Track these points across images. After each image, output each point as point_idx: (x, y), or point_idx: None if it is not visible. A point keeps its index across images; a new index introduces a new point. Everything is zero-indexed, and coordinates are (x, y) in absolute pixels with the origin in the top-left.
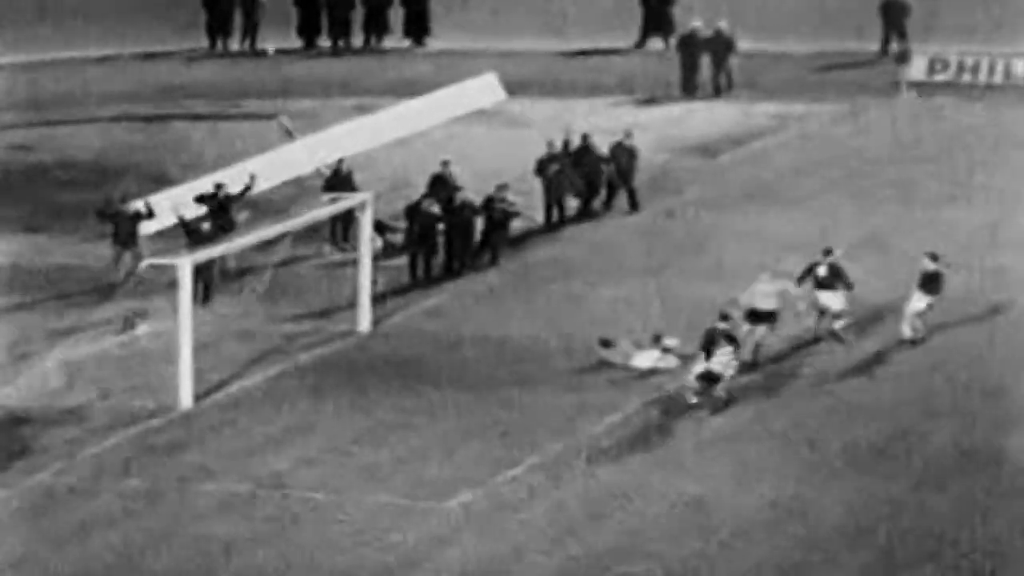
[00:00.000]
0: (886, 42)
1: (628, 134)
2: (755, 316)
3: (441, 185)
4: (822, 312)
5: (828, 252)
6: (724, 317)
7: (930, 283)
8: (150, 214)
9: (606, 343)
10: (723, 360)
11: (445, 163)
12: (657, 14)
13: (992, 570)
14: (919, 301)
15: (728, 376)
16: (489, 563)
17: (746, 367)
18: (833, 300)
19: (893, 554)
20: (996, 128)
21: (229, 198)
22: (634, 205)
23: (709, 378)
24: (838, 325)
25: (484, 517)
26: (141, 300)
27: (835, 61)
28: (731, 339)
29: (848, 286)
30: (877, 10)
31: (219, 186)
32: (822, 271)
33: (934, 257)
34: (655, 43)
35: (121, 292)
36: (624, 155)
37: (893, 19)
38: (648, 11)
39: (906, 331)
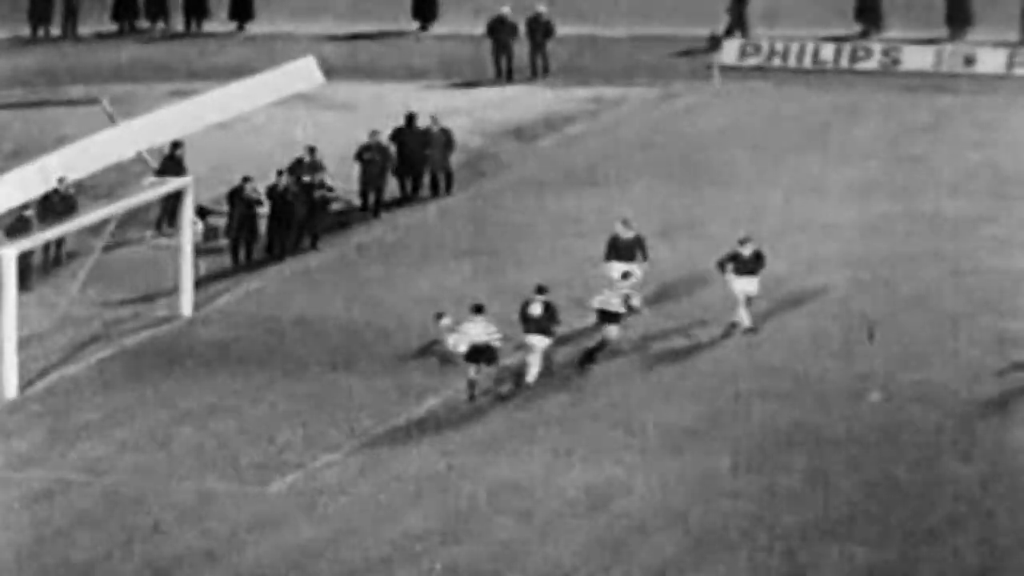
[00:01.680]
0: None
1: (435, 118)
2: (605, 316)
3: (302, 169)
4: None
5: (744, 240)
6: (540, 290)
7: (752, 265)
8: None
9: (440, 315)
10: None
11: (311, 149)
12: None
13: (804, 547)
14: (749, 285)
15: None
16: (311, 546)
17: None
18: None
19: (708, 535)
20: (806, 112)
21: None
22: (448, 188)
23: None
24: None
25: (306, 500)
26: None
27: (650, 45)
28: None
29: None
30: None
31: (61, 179)
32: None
33: (743, 241)
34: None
35: None
36: (439, 139)
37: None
38: None
39: (745, 320)
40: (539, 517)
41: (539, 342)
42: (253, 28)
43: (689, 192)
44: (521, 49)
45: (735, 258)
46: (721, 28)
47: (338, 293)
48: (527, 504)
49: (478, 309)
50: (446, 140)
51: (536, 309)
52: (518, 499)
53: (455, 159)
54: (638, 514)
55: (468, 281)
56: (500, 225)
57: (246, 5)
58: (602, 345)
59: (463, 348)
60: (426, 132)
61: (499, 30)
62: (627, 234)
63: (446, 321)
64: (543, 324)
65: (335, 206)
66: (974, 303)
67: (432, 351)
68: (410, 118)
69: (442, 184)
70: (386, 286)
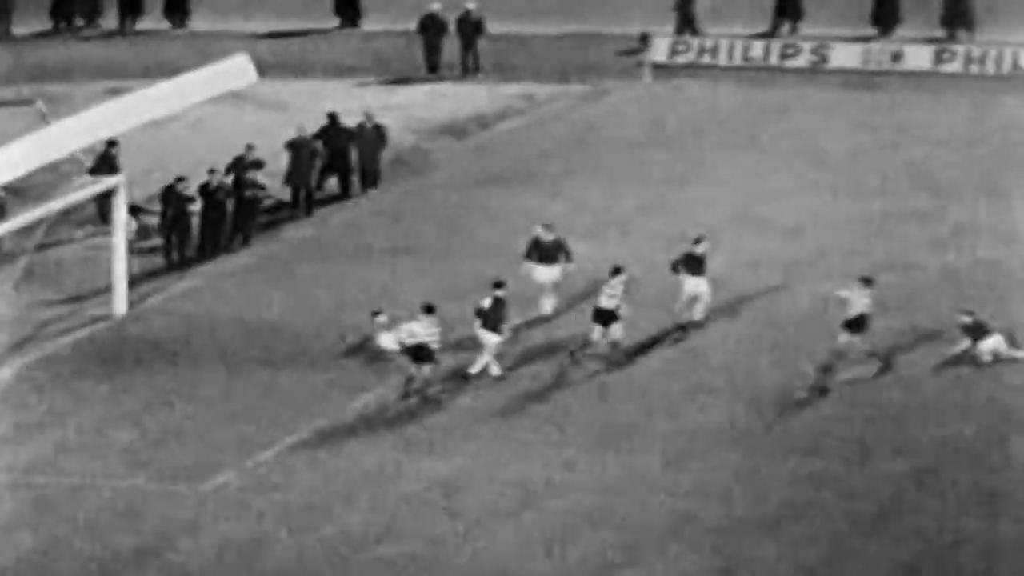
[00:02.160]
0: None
1: (369, 115)
2: (600, 315)
3: (242, 167)
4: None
5: (699, 240)
6: (497, 284)
7: (699, 265)
8: None
9: (376, 313)
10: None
11: (249, 147)
12: None
13: (733, 545)
14: (699, 286)
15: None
16: (245, 545)
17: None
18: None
19: (640, 533)
20: (736, 110)
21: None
22: (375, 183)
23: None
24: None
25: (239, 499)
26: None
27: (581, 43)
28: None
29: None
30: None
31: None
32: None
33: (698, 240)
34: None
35: None
36: (370, 135)
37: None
38: None
39: (697, 315)
40: (471, 514)
41: (486, 337)
42: (188, 26)
43: (619, 190)
44: (452, 46)
45: (691, 258)
46: (671, 26)
47: (271, 291)
48: (459, 502)
49: (429, 309)
50: (378, 136)
51: (486, 303)
52: (451, 497)
53: (387, 156)
54: (570, 511)
55: (400, 278)
56: (432, 222)
57: (181, 3)
58: (587, 344)
59: (396, 346)
60: (349, 130)
61: (430, 27)
62: (548, 237)
63: (382, 319)
64: (491, 319)
65: (267, 204)
66: (904, 301)
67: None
68: (332, 117)
69: (368, 180)
70: (319, 284)
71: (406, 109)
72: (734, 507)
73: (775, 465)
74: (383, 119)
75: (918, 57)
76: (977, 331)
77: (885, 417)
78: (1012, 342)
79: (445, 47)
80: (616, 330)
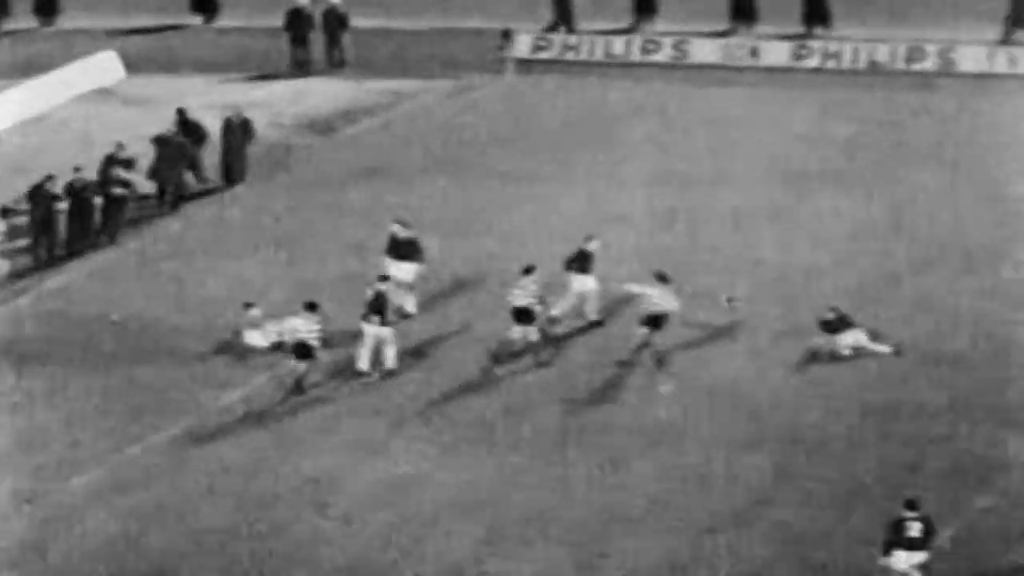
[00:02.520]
0: (556, 23)
1: (236, 110)
2: (517, 314)
3: (113, 165)
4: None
5: (590, 238)
6: (383, 278)
7: (588, 263)
8: None
9: (249, 305)
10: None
11: (120, 145)
12: None
13: (598, 539)
14: (585, 284)
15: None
16: (114, 542)
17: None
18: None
19: (505, 528)
20: (598, 105)
21: None
22: (241, 179)
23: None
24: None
25: (107, 496)
26: None
27: (445, 38)
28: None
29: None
30: None
31: None
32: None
33: (589, 238)
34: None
35: None
36: (237, 131)
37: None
38: None
39: (592, 314)
40: (339, 510)
41: (370, 329)
42: (57, 24)
43: (482, 186)
44: (317, 41)
45: (582, 255)
46: (547, 22)
47: (138, 288)
48: (327, 497)
49: (311, 306)
50: (244, 131)
51: (368, 294)
52: (318, 492)
53: (253, 152)
54: (436, 507)
55: (266, 274)
56: (297, 218)
57: (51, 1)
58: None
59: (263, 342)
60: (196, 125)
61: (296, 23)
62: (403, 234)
63: (254, 312)
64: (375, 312)
65: (133, 201)
66: (761, 296)
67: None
68: (181, 112)
69: (235, 175)
70: (185, 280)
71: (271, 105)
72: (599, 500)
73: (639, 459)
74: (249, 115)
75: (776, 53)
76: (838, 326)
77: (746, 411)
78: (875, 337)
79: (311, 42)
80: (532, 330)
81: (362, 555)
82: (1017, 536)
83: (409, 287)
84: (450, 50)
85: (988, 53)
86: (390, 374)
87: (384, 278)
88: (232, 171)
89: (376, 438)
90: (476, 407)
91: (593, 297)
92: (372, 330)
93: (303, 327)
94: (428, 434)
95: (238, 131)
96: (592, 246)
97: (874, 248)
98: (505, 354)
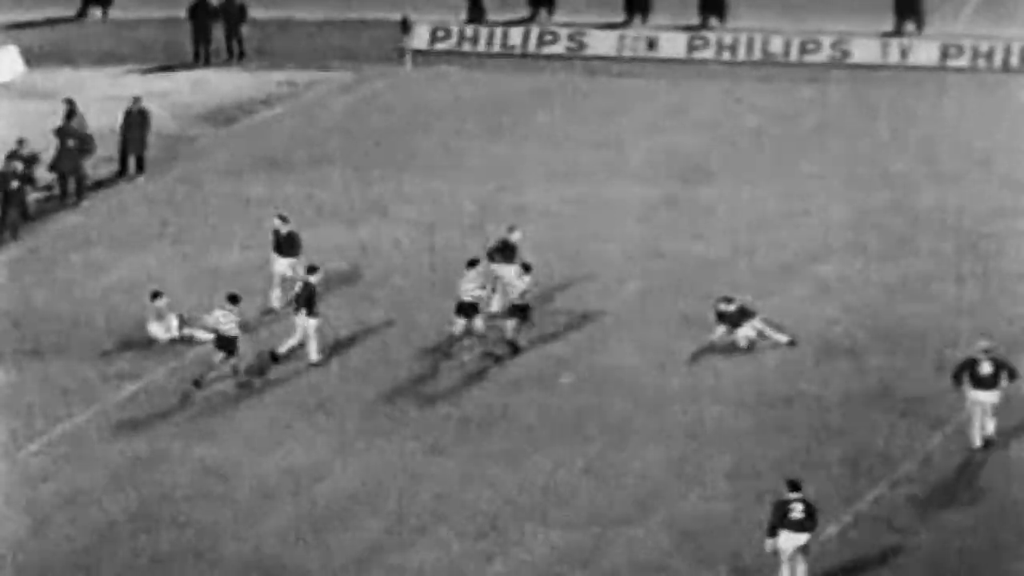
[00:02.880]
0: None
1: (136, 100)
2: (462, 308)
3: (17, 160)
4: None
5: (512, 228)
6: (311, 269)
7: (512, 254)
8: None
9: (156, 294)
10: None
11: (20, 141)
12: None
13: (499, 530)
14: (510, 274)
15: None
16: (13, 536)
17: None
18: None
19: (407, 519)
20: (495, 96)
21: None
22: (141, 170)
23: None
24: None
25: (9, 491)
26: None
27: (345, 29)
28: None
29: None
30: None
31: None
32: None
33: (512, 229)
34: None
35: None
36: (135, 121)
37: None
38: None
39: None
40: (240, 502)
41: (301, 321)
42: None
43: (379, 177)
44: (217, 33)
45: (505, 246)
46: (463, 15)
47: (40, 281)
48: (228, 489)
49: (233, 299)
50: (143, 121)
51: (297, 287)
52: (220, 484)
53: (154, 143)
54: (338, 498)
55: (168, 265)
56: (199, 209)
57: None
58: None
59: (166, 334)
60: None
61: (200, 14)
62: (284, 228)
63: (160, 302)
64: (303, 303)
65: (34, 195)
66: (660, 287)
67: None
68: (69, 102)
69: (136, 166)
70: (87, 272)
71: (171, 96)
72: (500, 492)
73: (540, 451)
74: (149, 106)
75: (672, 44)
76: (736, 317)
77: (644, 403)
78: (772, 325)
79: (213, 34)
80: (479, 322)
81: (265, 547)
82: (909, 525)
83: (280, 282)
84: (349, 41)
85: (881, 45)
86: (314, 366)
87: (312, 269)
88: (135, 161)
89: (278, 429)
90: (376, 399)
91: (519, 286)
92: (301, 322)
93: (224, 320)
94: (330, 425)
95: (137, 122)
96: (515, 236)
97: (770, 239)
98: (450, 347)
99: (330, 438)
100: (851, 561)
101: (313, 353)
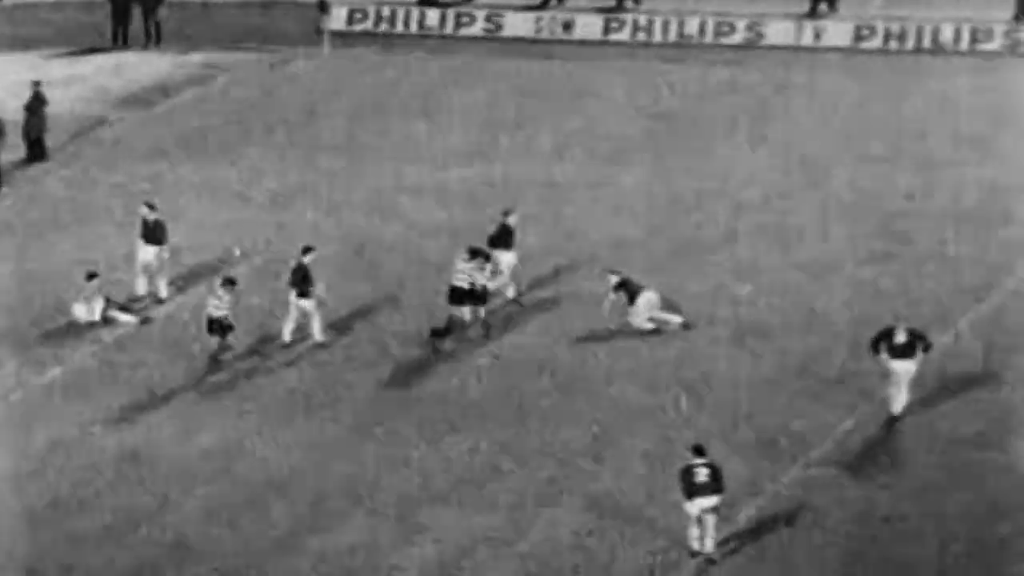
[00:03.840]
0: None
1: (36, 84)
2: (455, 294)
3: None
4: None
5: (508, 212)
6: (306, 250)
7: (511, 238)
8: None
9: (92, 275)
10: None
11: None
12: None
13: (416, 513)
14: (513, 259)
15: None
16: None
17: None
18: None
19: (325, 500)
20: (412, 78)
21: None
22: (41, 155)
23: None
24: (510, 292)
25: None
26: None
27: (262, 11)
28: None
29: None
30: None
31: None
32: (512, 224)
33: (507, 212)
34: None
35: None
36: (33, 107)
37: None
38: None
39: (509, 291)
40: (160, 484)
41: (299, 302)
42: None
43: (297, 159)
44: (136, 15)
45: (504, 231)
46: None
47: None
48: (149, 472)
49: (229, 282)
50: (38, 106)
51: (290, 265)
52: (140, 467)
53: (72, 127)
54: (257, 479)
55: (85, 250)
56: (115, 193)
57: None
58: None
59: (91, 316)
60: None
61: None
62: (151, 216)
63: (93, 283)
64: (298, 284)
65: None
66: (573, 268)
67: None
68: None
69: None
70: (6, 259)
71: (90, 80)
72: (417, 475)
73: (454, 433)
74: (68, 90)
75: (588, 26)
76: (634, 289)
77: (558, 385)
78: (668, 306)
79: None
80: (481, 309)
81: (182, 531)
82: (824, 506)
83: (143, 270)
84: (268, 23)
85: (796, 27)
86: (321, 346)
87: (307, 250)
88: (33, 144)
89: (195, 412)
90: (292, 380)
91: (513, 272)
92: (295, 302)
93: (220, 303)
94: (246, 408)
95: (34, 107)
96: (512, 220)
97: (685, 220)
98: (453, 331)
99: (249, 420)
100: (766, 541)
101: (317, 333)
